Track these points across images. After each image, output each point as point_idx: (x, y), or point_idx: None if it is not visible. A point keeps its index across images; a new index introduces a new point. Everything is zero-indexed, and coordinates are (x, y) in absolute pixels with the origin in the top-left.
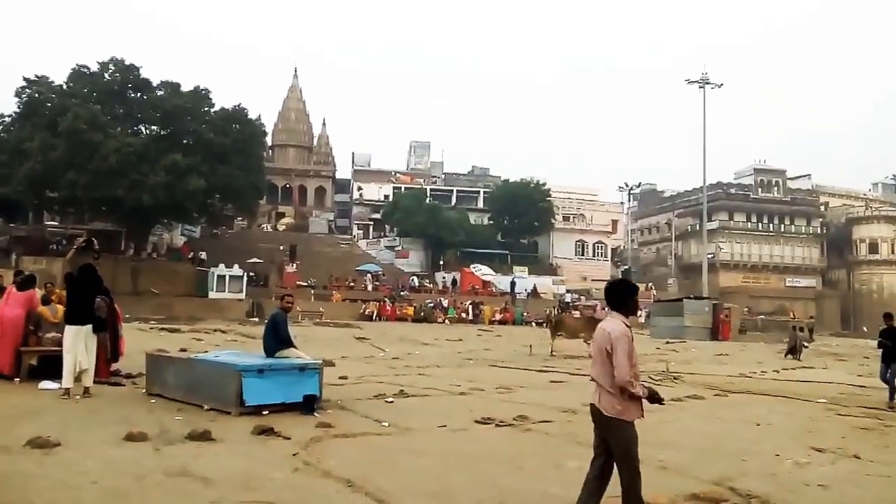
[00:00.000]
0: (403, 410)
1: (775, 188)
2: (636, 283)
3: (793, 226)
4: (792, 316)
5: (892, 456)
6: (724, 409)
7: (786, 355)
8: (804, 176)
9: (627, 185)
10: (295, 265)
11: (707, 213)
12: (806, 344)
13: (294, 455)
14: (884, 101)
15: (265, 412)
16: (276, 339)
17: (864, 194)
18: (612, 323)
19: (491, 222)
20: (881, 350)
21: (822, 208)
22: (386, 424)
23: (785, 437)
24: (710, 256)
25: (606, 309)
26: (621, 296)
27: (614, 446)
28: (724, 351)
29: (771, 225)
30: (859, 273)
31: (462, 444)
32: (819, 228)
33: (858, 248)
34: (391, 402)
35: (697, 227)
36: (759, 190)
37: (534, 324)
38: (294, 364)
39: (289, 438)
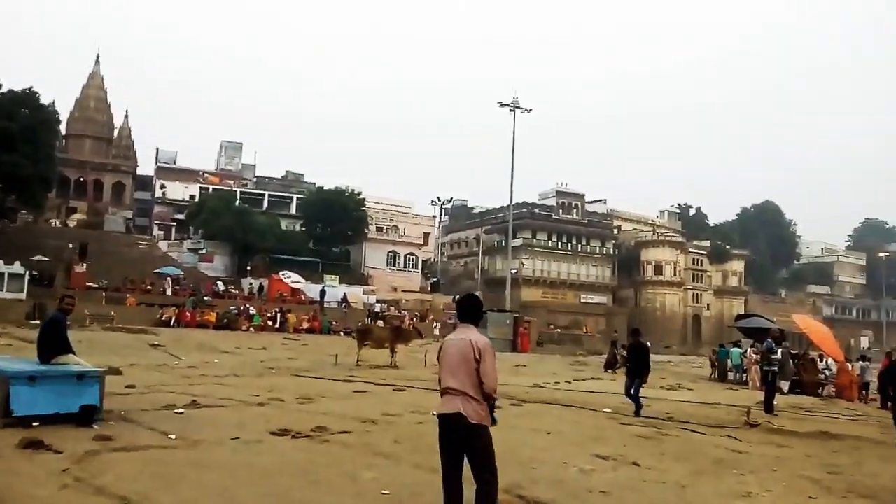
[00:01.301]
0: (194, 422)
1: (575, 210)
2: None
3: (589, 246)
4: (585, 330)
5: (667, 463)
6: (518, 418)
7: (605, 369)
8: (600, 200)
9: (440, 200)
10: (85, 265)
11: (512, 230)
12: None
13: (64, 471)
14: (670, 137)
15: (35, 424)
16: (53, 343)
17: (652, 220)
18: (475, 334)
19: (303, 229)
20: (626, 364)
21: (616, 231)
22: (173, 437)
23: (572, 445)
24: (513, 272)
25: (457, 321)
26: (477, 310)
27: (478, 453)
28: (523, 362)
29: (569, 244)
30: (645, 292)
31: (255, 456)
32: (612, 250)
33: (645, 269)
34: (181, 412)
35: (503, 244)
36: (561, 211)
37: (342, 333)
38: (71, 371)
39: (60, 452)
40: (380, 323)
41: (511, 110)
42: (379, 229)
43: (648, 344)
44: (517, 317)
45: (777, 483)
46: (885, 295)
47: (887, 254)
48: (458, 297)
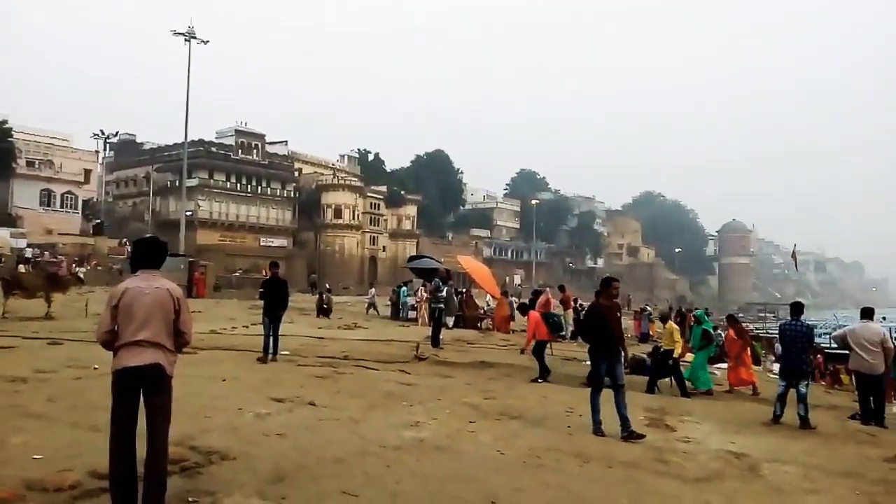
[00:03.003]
0: None
1: (255, 151)
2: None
3: (269, 188)
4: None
5: (342, 401)
6: (192, 367)
7: (318, 315)
8: (282, 142)
9: (104, 134)
10: None
11: (188, 169)
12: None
13: None
14: (354, 85)
15: None
16: None
17: (333, 164)
18: (169, 282)
19: None
20: (263, 301)
21: (297, 174)
22: None
23: (249, 390)
24: (188, 213)
25: (139, 270)
26: (161, 254)
27: (163, 405)
28: (198, 308)
29: (249, 186)
30: (325, 235)
31: None
32: (293, 192)
33: (326, 212)
34: None
35: (177, 183)
36: (240, 151)
37: None
38: None
39: None
40: (21, 268)
41: (186, 40)
42: (30, 164)
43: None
44: (192, 261)
45: (441, 411)
46: (535, 238)
47: (538, 201)
48: (127, 240)
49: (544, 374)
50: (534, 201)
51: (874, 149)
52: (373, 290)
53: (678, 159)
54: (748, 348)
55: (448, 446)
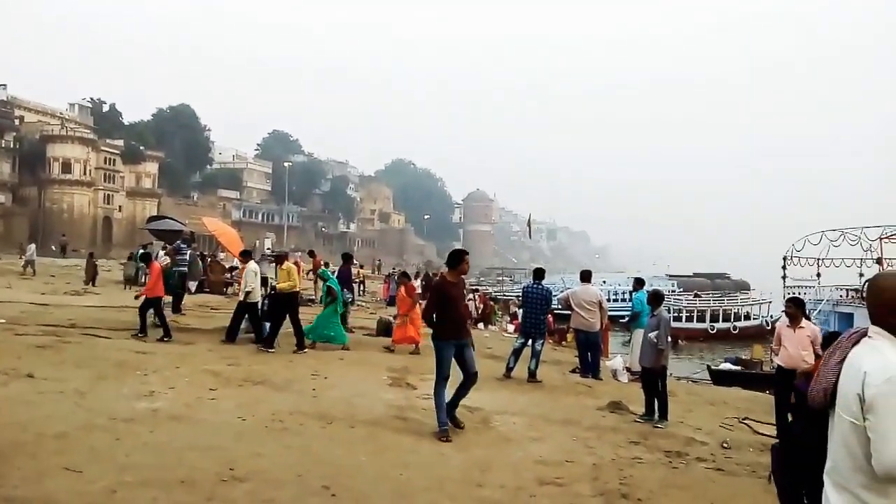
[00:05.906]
0: None
1: None
2: None
3: None
4: None
5: (66, 372)
6: None
7: (86, 283)
8: (0, 86)
9: None
10: None
11: None
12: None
13: None
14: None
15: None
16: None
17: (61, 113)
18: None
19: None
20: None
21: (17, 122)
22: None
23: None
24: None
25: None
26: None
27: None
28: None
29: None
30: (51, 192)
31: None
32: (12, 143)
33: (52, 166)
34: None
35: None
36: None
37: None
38: None
39: None
40: None
41: None
42: None
43: None
44: None
45: (180, 379)
46: (287, 201)
47: (290, 163)
48: None
49: (145, 330)
50: (286, 163)
51: (600, 135)
52: (32, 246)
53: (428, 130)
54: (416, 306)
55: (186, 415)
